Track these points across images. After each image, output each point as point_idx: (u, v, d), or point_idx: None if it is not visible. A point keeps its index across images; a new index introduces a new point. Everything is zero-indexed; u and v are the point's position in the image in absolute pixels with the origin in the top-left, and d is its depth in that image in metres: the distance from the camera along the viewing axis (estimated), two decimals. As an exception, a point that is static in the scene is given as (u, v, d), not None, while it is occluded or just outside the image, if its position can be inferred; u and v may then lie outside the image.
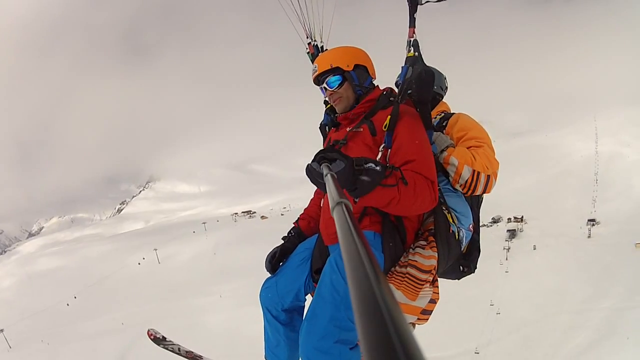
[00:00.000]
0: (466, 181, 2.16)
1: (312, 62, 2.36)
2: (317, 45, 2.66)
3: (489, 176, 2.18)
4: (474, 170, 2.15)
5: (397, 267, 2.00)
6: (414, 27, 2.14)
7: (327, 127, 2.45)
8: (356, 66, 2.17)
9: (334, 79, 2.16)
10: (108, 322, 55.39)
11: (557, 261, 51.95)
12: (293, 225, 2.55)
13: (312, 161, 1.63)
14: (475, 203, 2.35)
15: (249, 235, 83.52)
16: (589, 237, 61.73)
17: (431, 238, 2.04)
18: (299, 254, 2.32)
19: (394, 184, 1.71)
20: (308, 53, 2.66)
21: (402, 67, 2.18)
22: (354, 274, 0.49)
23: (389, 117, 2.00)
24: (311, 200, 2.66)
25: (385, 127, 2.00)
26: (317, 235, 2.37)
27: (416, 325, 2.07)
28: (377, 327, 0.38)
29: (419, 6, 2.16)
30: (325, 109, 2.46)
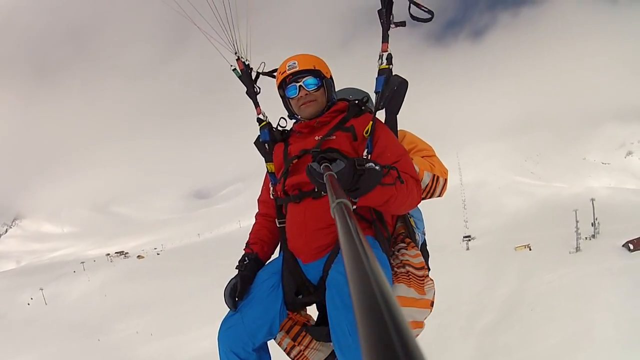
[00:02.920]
0: (427, 185, 2.67)
1: (241, 79, 2.88)
2: (244, 62, 2.90)
3: (445, 180, 2.76)
4: (434, 175, 2.69)
5: (395, 269, 2.45)
6: (387, 42, 2.54)
7: (266, 144, 2.78)
8: (330, 77, 2.64)
9: (314, 81, 2.53)
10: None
11: (444, 268, 57.10)
12: (245, 251, 2.68)
13: (312, 161, 1.89)
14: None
15: (134, 274, 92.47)
16: (467, 249, 73.07)
17: (408, 240, 2.59)
18: (265, 281, 2.46)
19: (392, 183, 2.05)
20: (234, 70, 2.91)
21: (377, 78, 2.55)
22: (356, 273, 0.54)
23: (371, 122, 2.43)
24: (256, 224, 2.85)
25: (366, 133, 2.42)
26: (278, 258, 2.62)
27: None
28: (378, 327, 0.43)
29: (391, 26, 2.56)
30: (260, 125, 2.83)
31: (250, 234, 2.81)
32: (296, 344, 2.59)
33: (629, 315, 27.99)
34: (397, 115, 2.72)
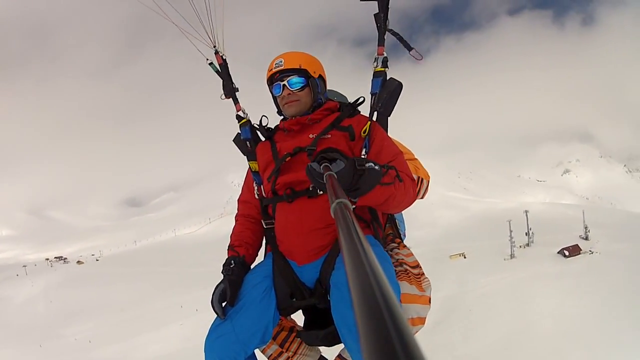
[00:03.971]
0: None
1: (219, 74, 2.90)
2: (222, 56, 2.93)
3: (428, 182, 3.00)
4: (418, 177, 2.89)
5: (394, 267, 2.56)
6: (383, 45, 2.68)
7: (248, 142, 2.81)
8: (319, 76, 2.68)
9: (298, 80, 2.57)
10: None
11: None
12: (229, 254, 2.63)
13: (312, 161, 1.92)
14: None
15: (76, 280, 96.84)
16: (402, 257, 75.76)
17: (398, 240, 2.74)
18: (256, 285, 2.42)
19: (391, 182, 2.12)
20: (211, 64, 2.93)
21: (373, 80, 2.66)
22: (357, 273, 0.56)
23: (369, 123, 2.53)
24: (238, 225, 2.82)
25: (364, 133, 2.51)
26: (267, 260, 2.60)
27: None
28: (379, 327, 0.44)
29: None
30: (240, 123, 2.85)
31: (231, 236, 2.74)
32: (284, 350, 2.60)
33: (566, 312, 29.66)
34: (389, 118, 2.85)
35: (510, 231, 56.75)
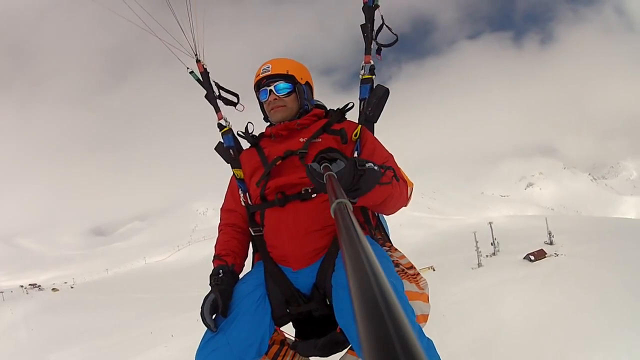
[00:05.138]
0: None
1: (201, 83, 2.99)
2: (204, 65, 3.03)
3: (412, 189, 2.85)
4: None
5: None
6: (370, 54, 2.80)
7: (231, 150, 2.86)
8: (306, 82, 2.76)
9: (285, 86, 2.65)
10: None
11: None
12: (217, 264, 2.56)
13: (312, 161, 1.91)
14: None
15: (54, 306, 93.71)
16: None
17: (389, 244, 2.78)
18: (249, 294, 2.37)
19: (389, 182, 2.15)
20: (192, 73, 3.02)
21: (361, 87, 2.76)
22: (361, 274, 0.56)
23: (359, 126, 2.59)
24: (224, 235, 2.77)
25: (355, 136, 2.56)
26: (258, 269, 2.55)
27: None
28: (379, 326, 0.45)
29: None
30: (222, 131, 2.92)
31: (216, 246, 2.69)
32: None
33: (536, 309, 30.53)
34: (375, 125, 2.87)
35: (476, 242, 58.37)
